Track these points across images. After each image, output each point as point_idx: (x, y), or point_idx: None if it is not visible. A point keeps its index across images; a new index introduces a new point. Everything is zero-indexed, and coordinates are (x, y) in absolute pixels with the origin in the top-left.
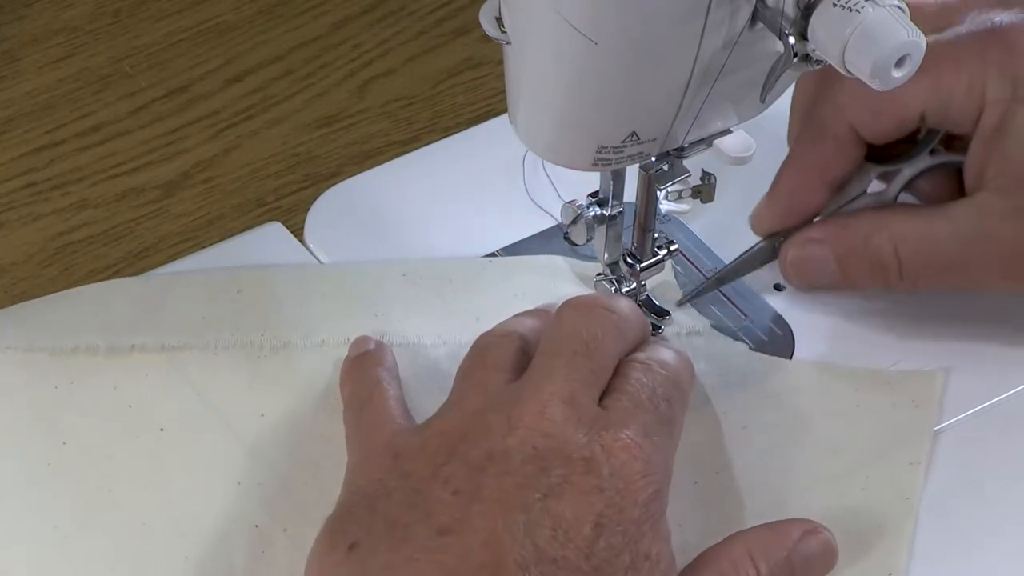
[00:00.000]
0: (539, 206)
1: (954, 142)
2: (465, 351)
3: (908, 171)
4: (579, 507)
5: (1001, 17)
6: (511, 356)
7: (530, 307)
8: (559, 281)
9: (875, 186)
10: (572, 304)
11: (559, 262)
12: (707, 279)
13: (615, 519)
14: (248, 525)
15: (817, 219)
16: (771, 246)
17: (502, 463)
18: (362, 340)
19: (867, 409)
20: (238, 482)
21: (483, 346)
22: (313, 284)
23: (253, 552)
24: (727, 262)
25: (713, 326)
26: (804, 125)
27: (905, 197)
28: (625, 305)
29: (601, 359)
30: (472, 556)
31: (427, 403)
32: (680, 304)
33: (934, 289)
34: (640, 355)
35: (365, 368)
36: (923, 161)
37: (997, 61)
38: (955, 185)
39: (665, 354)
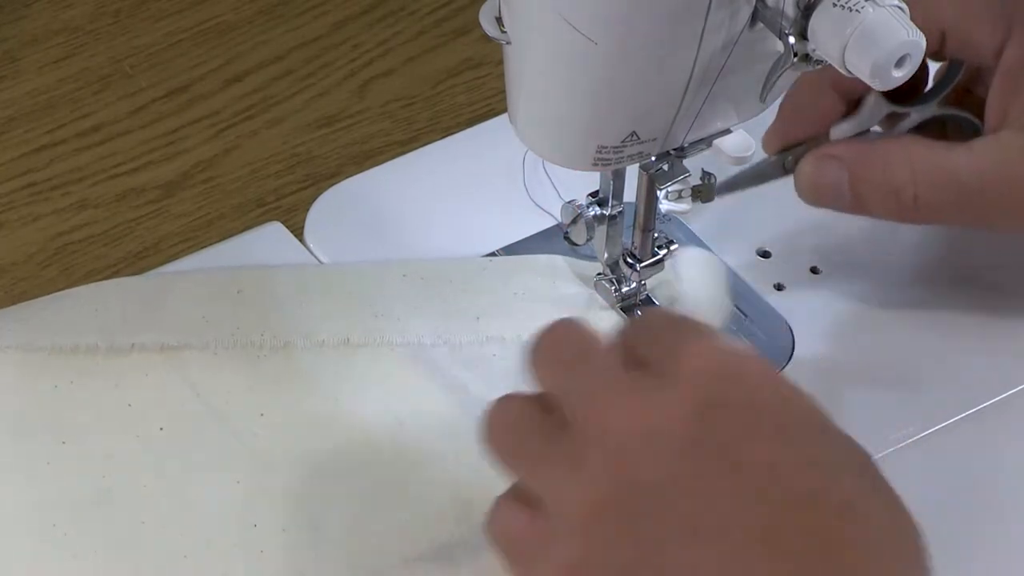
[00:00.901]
0: (539, 206)
1: (966, 96)
2: (465, 351)
3: (916, 116)
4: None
5: None
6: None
7: (530, 307)
8: (559, 281)
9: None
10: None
11: (559, 262)
12: (717, 183)
13: None
14: (247, 524)
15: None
16: (781, 161)
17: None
18: None
19: None
20: (237, 481)
21: (499, 426)
22: (313, 284)
23: (252, 552)
24: (739, 170)
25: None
26: None
27: None
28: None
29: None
30: None
31: (427, 404)
32: (712, 196)
33: (947, 223)
34: None
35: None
36: (931, 110)
37: None
38: (958, 139)
39: None
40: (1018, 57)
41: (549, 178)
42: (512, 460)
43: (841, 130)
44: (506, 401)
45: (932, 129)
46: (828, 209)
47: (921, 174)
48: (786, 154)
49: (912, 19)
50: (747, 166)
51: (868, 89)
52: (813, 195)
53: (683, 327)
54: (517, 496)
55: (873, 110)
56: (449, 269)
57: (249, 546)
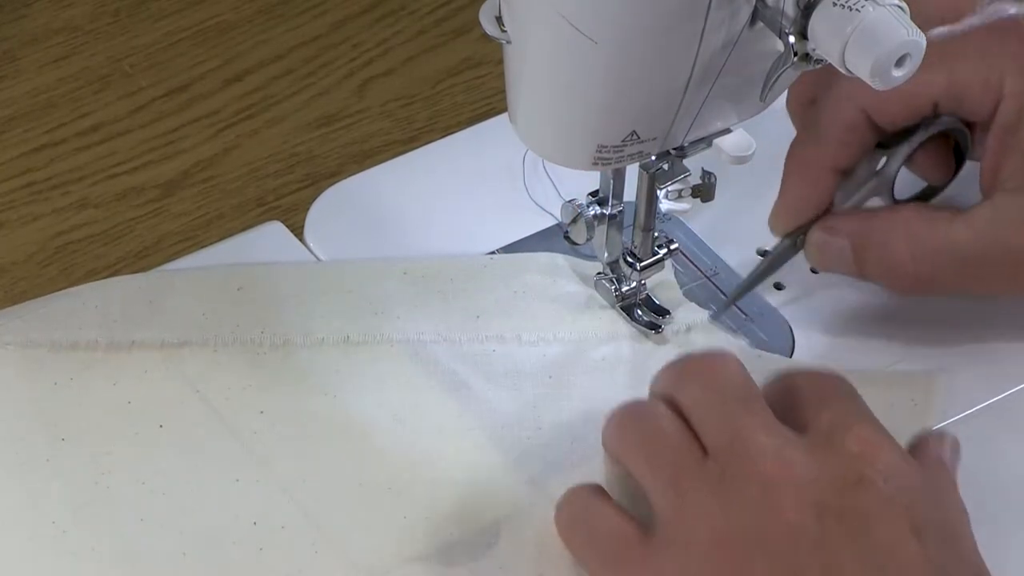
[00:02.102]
0: (539, 206)
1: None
2: (465, 349)
3: (906, 148)
4: (891, 525)
5: (1015, 8)
6: (679, 425)
7: (531, 305)
8: (560, 279)
9: None
10: (675, 366)
11: (560, 260)
12: (735, 288)
13: (920, 517)
14: (246, 522)
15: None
16: (792, 244)
17: (801, 537)
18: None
19: None
20: (236, 479)
21: (646, 428)
22: (313, 281)
23: (250, 549)
24: (747, 274)
25: (711, 317)
26: (811, 114)
27: (903, 173)
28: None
29: (755, 386)
30: None
31: (426, 400)
32: (715, 318)
33: (948, 293)
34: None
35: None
36: (918, 136)
37: (1013, 54)
38: (950, 155)
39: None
40: (1009, 118)
41: (549, 177)
42: (645, 468)
43: (839, 197)
44: (646, 409)
45: (938, 147)
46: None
47: (919, 251)
48: (796, 234)
49: (903, 92)
50: (762, 260)
51: (861, 156)
52: (821, 263)
53: (854, 403)
54: (619, 508)
55: (870, 160)
56: (449, 267)
57: (247, 544)
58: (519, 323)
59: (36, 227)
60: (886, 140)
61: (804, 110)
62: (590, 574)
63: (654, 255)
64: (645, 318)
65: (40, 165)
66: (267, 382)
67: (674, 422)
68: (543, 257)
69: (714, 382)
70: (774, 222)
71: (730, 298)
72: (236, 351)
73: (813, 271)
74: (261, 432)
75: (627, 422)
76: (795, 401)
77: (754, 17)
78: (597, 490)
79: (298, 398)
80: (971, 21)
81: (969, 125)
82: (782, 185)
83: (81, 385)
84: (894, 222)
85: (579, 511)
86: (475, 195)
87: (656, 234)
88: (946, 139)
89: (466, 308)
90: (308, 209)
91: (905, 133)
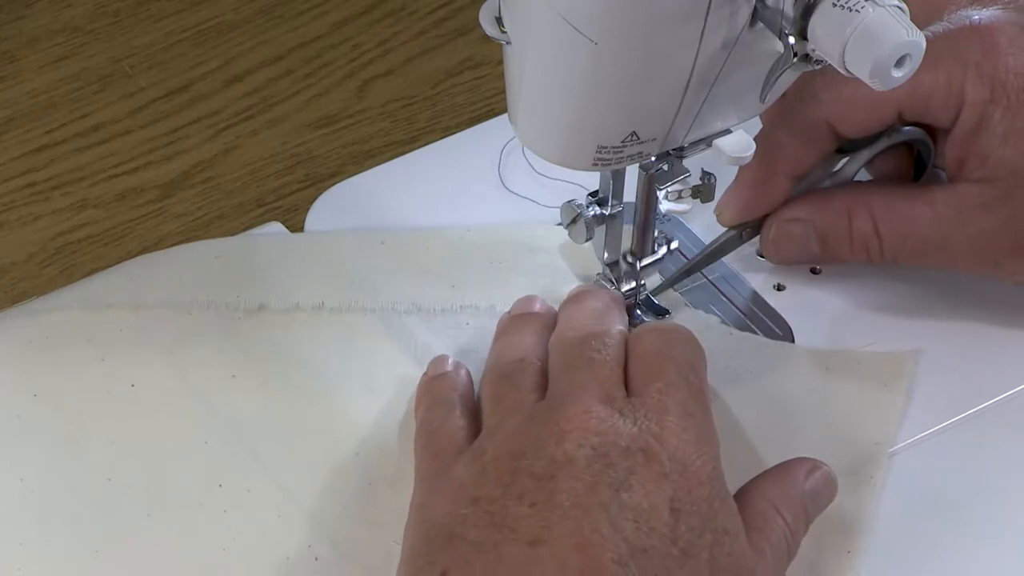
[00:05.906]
0: (515, 193)
1: None
2: (440, 319)
3: (866, 153)
4: (652, 495)
5: (979, 15)
6: (535, 377)
7: (506, 276)
8: (536, 250)
9: None
10: (572, 309)
11: (537, 230)
12: (676, 271)
13: (687, 500)
14: (212, 485)
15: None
16: (738, 236)
17: (567, 468)
18: (440, 360)
19: (836, 388)
20: (205, 441)
21: (507, 373)
22: (292, 251)
23: (216, 511)
24: (696, 252)
25: (650, 294)
26: (777, 115)
27: (862, 175)
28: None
29: (616, 354)
30: (569, 561)
31: (397, 369)
32: (655, 294)
33: (912, 266)
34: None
35: (441, 392)
36: (881, 143)
37: (975, 62)
38: (908, 163)
39: (668, 324)
40: (972, 123)
41: (531, 166)
42: (491, 394)
43: (798, 186)
44: (522, 340)
45: (896, 154)
46: (797, 264)
47: (883, 224)
48: (744, 226)
49: (867, 102)
50: (706, 246)
51: (820, 162)
52: (781, 256)
53: (687, 381)
54: (465, 416)
55: (826, 167)
56: (428, 237)
57: (213, 505)
58: (493, 293)
59: (36, 227)
60: (847, 145)
61: (776, 109)
62: (415, 469)
63: (653, 253)
64: (645, 318)
65: (40, 165)
66: (240, 346)
67: (533, 363)
68: (521, 227)
69: (582, 331)
70: (722, 213)
71: (666, 281)
72: (211, 315)
73: (813, 271)
74: (232, 396)
75: (508, 339)
76: (641, 361)
77: (754, 17)
78: (460, 394)
79: (270, 363)
80: (935, 28)
81: (931, 132)
82: (736, 179)
83: (55, 342)
84: (853, 199)
85: (433, 411)
86: (475, 196)
87: (656, 233)
88: (908, 148)
89: (442, 277)
90: (308, 209)
91: (867, 139)
